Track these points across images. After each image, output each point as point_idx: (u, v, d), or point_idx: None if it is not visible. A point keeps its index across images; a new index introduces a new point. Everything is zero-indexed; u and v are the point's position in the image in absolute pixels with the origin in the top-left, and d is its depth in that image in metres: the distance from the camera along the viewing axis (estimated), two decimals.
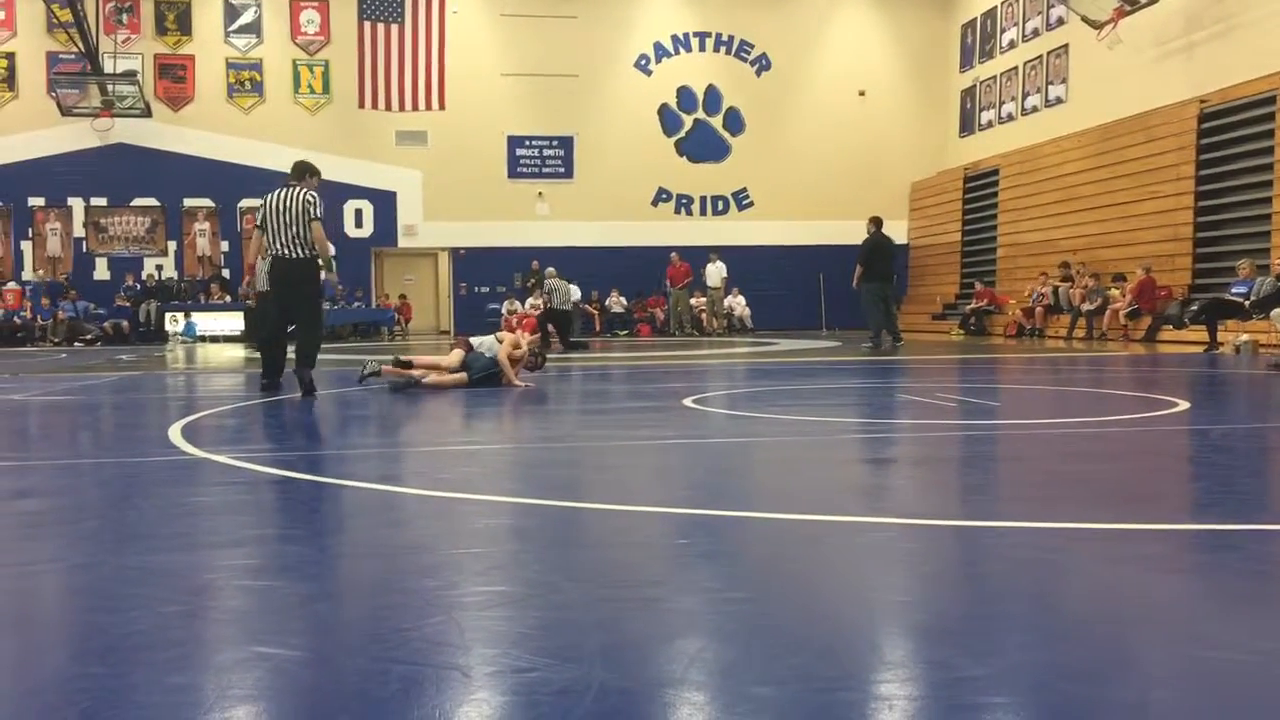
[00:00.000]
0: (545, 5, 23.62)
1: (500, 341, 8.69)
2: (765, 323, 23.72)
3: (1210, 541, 3.03)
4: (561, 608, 2.34)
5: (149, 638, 2.14)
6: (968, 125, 24.16)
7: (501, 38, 23.71)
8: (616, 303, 23.50)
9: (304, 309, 8.18)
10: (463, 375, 8.46)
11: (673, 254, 22.74)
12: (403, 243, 23.99)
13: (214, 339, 21.11)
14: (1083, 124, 19.15)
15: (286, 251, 7.93)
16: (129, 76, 21.01)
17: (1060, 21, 20.07)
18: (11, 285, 21.93)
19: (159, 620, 2.26)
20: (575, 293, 17.06)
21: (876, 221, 15.01)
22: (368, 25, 22.37)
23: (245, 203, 23.16)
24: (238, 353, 14.27)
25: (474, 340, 8.85)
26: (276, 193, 8.07)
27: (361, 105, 22.60)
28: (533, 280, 21.42)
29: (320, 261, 8.14)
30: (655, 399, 7.84)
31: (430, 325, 25.16)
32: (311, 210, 7.89)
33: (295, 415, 7.21)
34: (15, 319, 20.95)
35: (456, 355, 8.62)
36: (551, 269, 17.26)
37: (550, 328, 16.14)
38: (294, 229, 7.88)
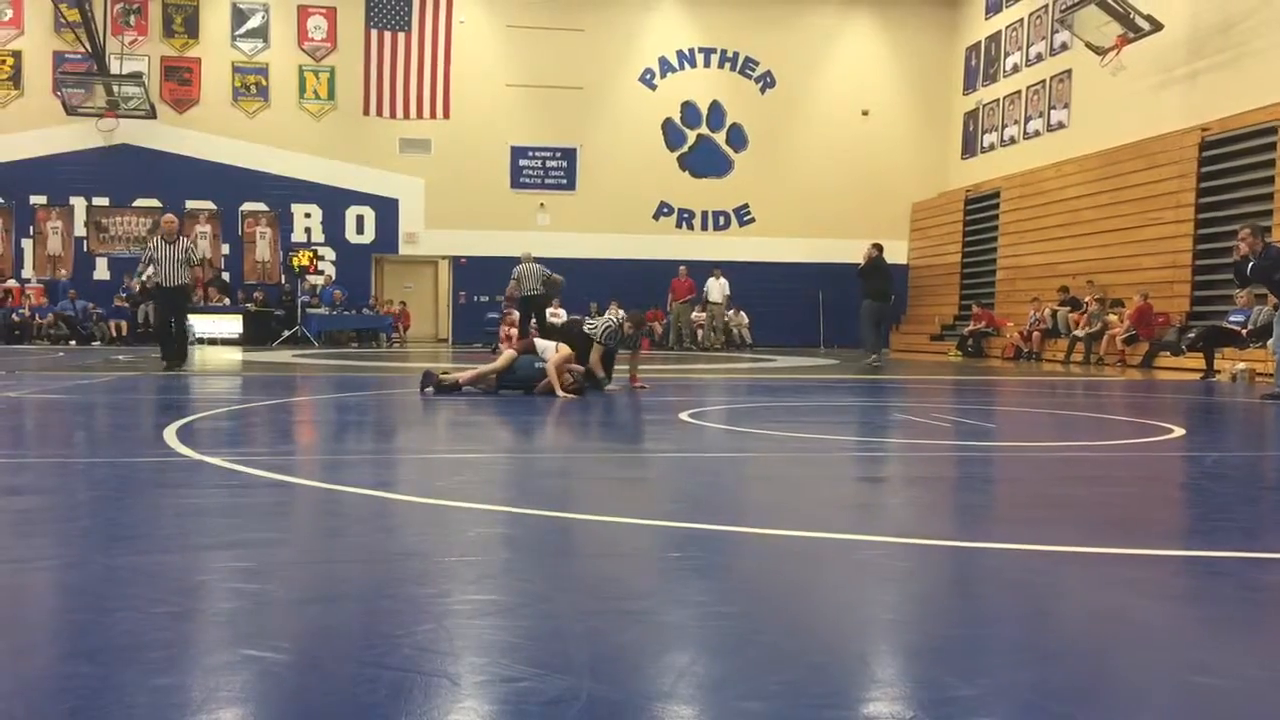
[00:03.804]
0: (551, 17, 23.72)
1: (557, 350, 8.73)
2: (764, 339, 23.74)
3: (1202, 568, 3.03)
4: (552, 618, 2.34)
5: (138, 638, 2.14)
6: (970, 147, 24.25)
7: (507, 48, 23.80)
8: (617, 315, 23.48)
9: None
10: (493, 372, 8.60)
11: (681, 268, 22.79)
12: (404, 250, 24.03)
13: (212, 342, 21.10)
14: (1084, 149, 19.23)
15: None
16: (135, 78, 21.09)
17: (1064, 47, 20.16)
18: (11, 283, 21.94)
19: (148, 621, 2.25)
20: (539, 276, 16.60)
21: (877, 247, 15.51)
22: (374, 33, 22.44)
23: (247, 206, 23.22)
24: (235, 355, 14.26)
25: (539, 343, 8.91)
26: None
27: (366, 112, 22.66)
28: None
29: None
30: (652, 412, 7.84)
31: (429, 333, 25.17)
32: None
33: (292, 420, 7.22)
34: (14, 316, 20.93)
35: (507, 356, 8.72)
36: (529, 252, 17.07)
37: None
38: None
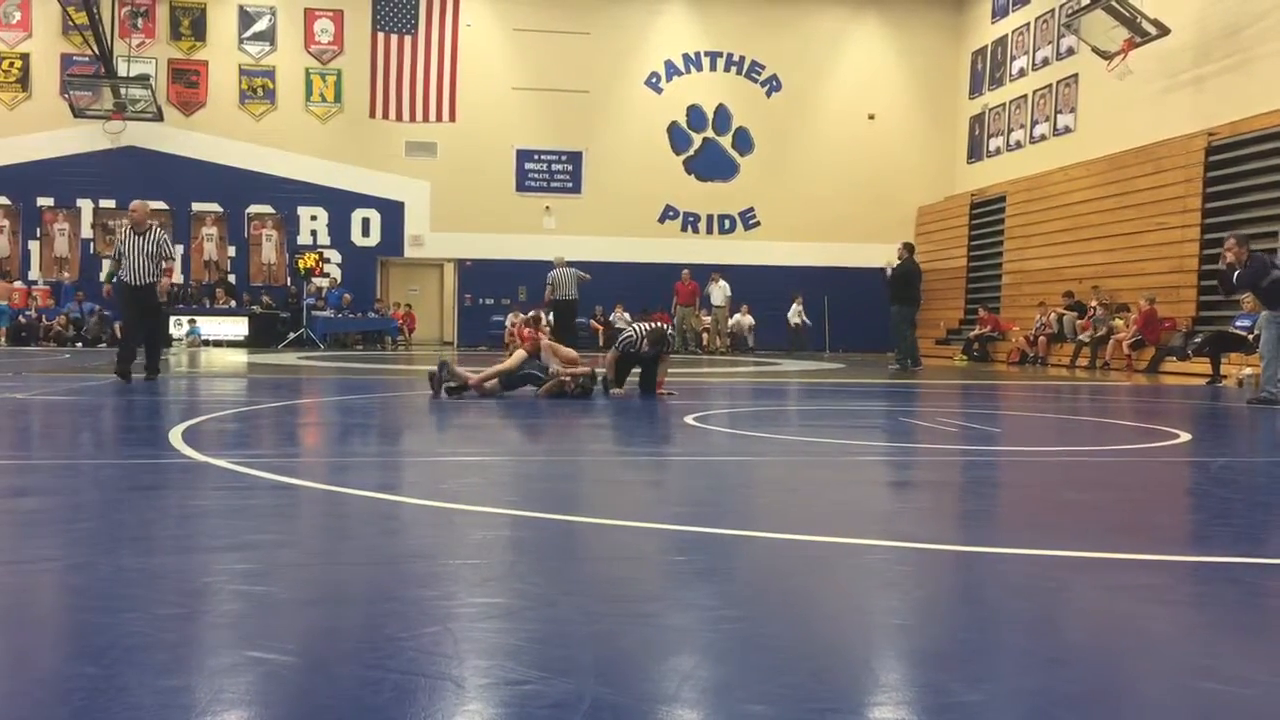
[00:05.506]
0: (558, 20, 23.75)
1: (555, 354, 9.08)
2: (768, 343, 23.71)
3: (1209, 573, 3.02)
4: (557, 621, 2.34)
5: (143, 639, 2.14)
6: (976, 152, 24.23)
7: (513, 52, 23.84)
8: (621, 318, 23.50)
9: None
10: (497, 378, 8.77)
11: (684, 271, 22.80)
12: (409, 253, 24.07)
13: (218, 343, 21.13)
14: (1091, 153, 19.20)
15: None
16: (142, 80, 21.16)
17: (1070, 51, 20.14)
18: (19, 284, 22.01)
19: (153, 622, 2.25)
20: (574, 283, 16.85)
21: (909, 248, 15.78)
22: (381, 36, 22.49)
23: (253, 208, 23.27)
24: (241, 357, 14.27)
25: (544, 350, 9.10)
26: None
27: (372, 115, 22.71)
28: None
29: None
30: (656, 416, 7.83)
31: (434, 336, 25.19)
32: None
33: (297, 422, 7.23)
34: (20, 318, 20.99)
35: (517, 356, 8.90)
36: (562, 256, 17.20)
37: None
38: None
